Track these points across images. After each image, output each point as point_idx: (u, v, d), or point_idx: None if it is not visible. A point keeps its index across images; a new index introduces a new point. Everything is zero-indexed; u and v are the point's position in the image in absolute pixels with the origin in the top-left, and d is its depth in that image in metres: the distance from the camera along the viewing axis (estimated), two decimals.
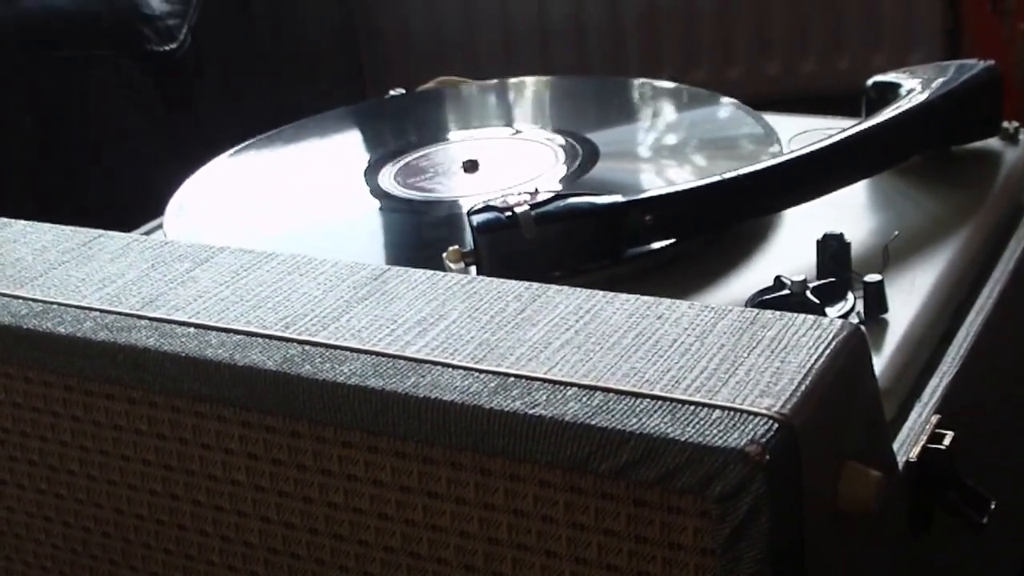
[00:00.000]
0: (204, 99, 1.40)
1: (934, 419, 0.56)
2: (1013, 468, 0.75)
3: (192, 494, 0.53)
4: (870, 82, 0.79)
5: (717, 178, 0.67)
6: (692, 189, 0.67)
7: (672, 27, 1.81)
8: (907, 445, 0.55)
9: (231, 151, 0.89)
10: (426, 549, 0.48)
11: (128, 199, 1.00)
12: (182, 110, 1.38)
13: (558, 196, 0.65)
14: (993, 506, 0.55)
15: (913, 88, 0.75)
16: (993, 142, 0.78)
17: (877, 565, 0.51)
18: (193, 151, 0.95)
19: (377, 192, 0.79)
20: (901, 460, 0.53)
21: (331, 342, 0.49)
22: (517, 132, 0.87)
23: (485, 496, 0.46)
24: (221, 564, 0.54)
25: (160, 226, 0.81)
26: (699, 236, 0.69)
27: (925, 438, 0.55)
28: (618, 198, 0.66)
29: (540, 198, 0.65)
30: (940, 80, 0.75)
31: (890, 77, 0.78)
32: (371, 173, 0.82)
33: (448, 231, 0.72)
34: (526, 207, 0.64)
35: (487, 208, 0.65)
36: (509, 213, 0.64)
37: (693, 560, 0.42)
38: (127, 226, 0.83)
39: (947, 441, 0.55)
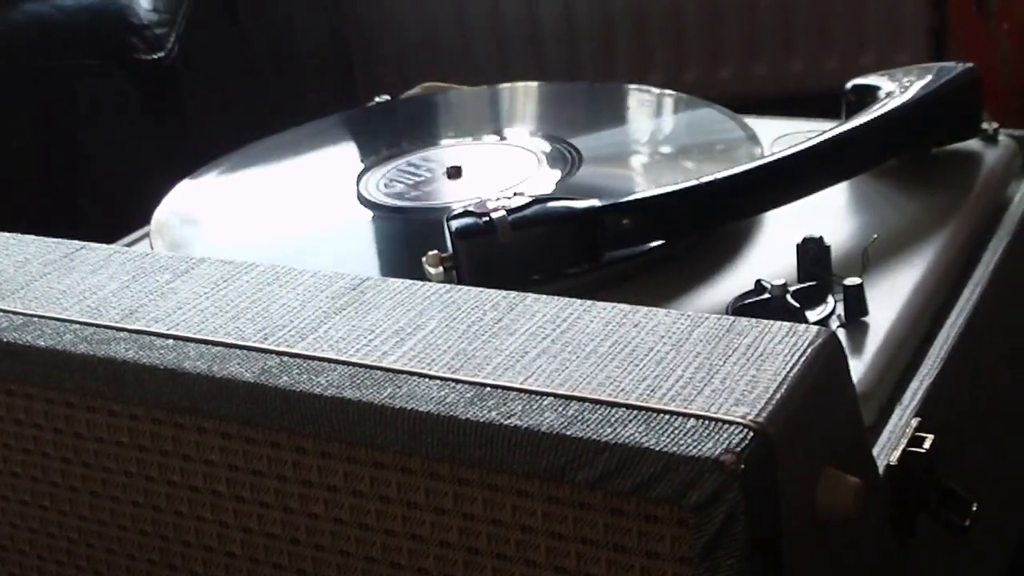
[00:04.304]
0: (193, 107, 1.40)
1: (914, 422, 0.56)
2: (995, 470, 0.75)
3: (174, 505, 0.53)
4: (849, 85, 0.79)
5: (697, 181, 0.67)
6: (671, 192, 0.67)
7: (662, 30, 1.81)
8: (887, 449, 0.55)
9: (215, 162, 0.89)
10: (407, 559, 0.48)
11: (118, 208, 1.00)
12: (171, 118, 1.38)
13: (536, 200, 0.65)
14: (975, 508, 0.55)
15: (892, 90, 0.75)
16: (973, 143, 0.77)
17: (860, 571, 0.51)
18: (182, 159, 0.95)
19: (360, 199, 0.79)
20: (882, 464, 0.53)
21: (308, 353, 0.49)
22: (501, 138, 0.87)
23: (464, 506, 0.46)
24: (204, 574, 0.54)
25: (146, 236, 0.81)
26: (679, 240, 0.69)
27: (906, 442, 0.55)
28: (595, 202, 0.66)
29: (517, 203, 0.65)
30: (920, 82, 0.75)
31: (869, 80, 0.78)
32: (354, 181, 0.82)
33: (431, 237, 0.72)
34: (503, 212, 0.64)
35: (465, 213, 0.65)
36: (486, 218, 0.64)
37: (671, 569, 0.42)
38: (116, 235, 0.83)
39: (928, 444, 0.55)
